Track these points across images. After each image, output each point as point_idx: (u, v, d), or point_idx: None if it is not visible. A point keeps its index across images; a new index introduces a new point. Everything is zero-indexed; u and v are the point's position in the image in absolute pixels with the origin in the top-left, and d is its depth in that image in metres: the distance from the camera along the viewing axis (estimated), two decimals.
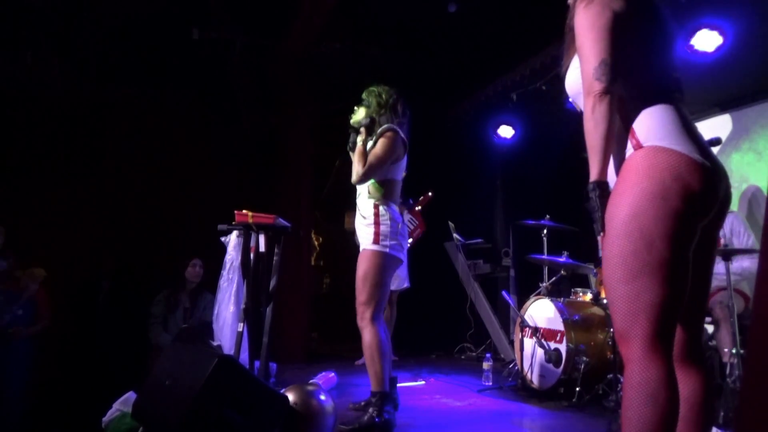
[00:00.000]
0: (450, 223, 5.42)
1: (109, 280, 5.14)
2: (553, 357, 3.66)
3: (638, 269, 1.35)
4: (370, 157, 2.94)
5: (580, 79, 1.56)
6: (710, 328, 3.62)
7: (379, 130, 3.03)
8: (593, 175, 1.46)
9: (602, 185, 1.46)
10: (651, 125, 1.44)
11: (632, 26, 1.50)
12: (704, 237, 1.45)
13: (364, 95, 3.16)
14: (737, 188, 4.12)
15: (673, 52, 1.59)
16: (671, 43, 1.59)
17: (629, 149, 1.47)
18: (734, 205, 4.01)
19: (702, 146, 1.42)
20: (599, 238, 1.47)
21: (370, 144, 3.03)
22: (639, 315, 1.35)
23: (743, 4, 3.74)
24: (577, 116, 1.65)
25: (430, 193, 5.11)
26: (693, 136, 1.43)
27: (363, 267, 2.96)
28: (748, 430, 2.18)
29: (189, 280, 4.76)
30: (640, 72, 1.50)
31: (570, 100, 1.71)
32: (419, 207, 5.07)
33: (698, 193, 1.36)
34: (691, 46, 3.81)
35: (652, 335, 1.34)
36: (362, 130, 3.06)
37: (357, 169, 2.94)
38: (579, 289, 4.16)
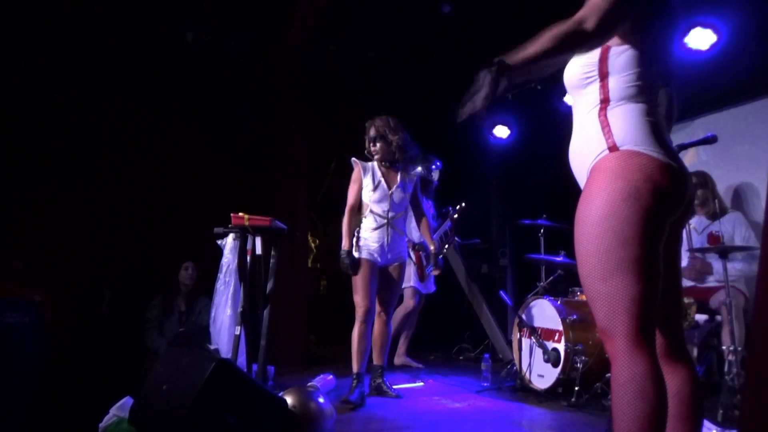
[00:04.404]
0: None
1: (110, 287, 5.11)
2: (551, 357, 3.65)
3: (614, 267, 1.39)
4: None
5: (579, 72, 1.56)
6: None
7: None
8: (506, 56, 1.42)
9: (508, 68, 1.41)
10: (628, 128, 1.47)
11: (646, 23, 1.49)
12: (670, 234, 1.50)
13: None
14: (733, 186, 4.13)
15: (672, 52, 1.60)
16: (672, 44, 1.59)
17: (602, 147, 1.48)
18: (729, 203, 4.01)
19: (670, 149, 1.48)
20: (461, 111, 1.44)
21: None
22: (619, 312, 1.38)
23: (737, 2, 3.74)
24: (572, 115, 1.65)
25: (463, 204, 5.04)
26: (663, 140, 1.48)
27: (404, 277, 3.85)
28: (752, 427, 2.18)
29: (183, 283, 4.74)
30: (634, 70, 1.50)
31: (566, 96, 1.71)
32: (456, 216, 5.03)
33: (667, 192, 1.42)
34: (685, 45, 3.81)
35: (634, 331, 1.37)
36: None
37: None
38: (577, 288, 4.16)
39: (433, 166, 5.02)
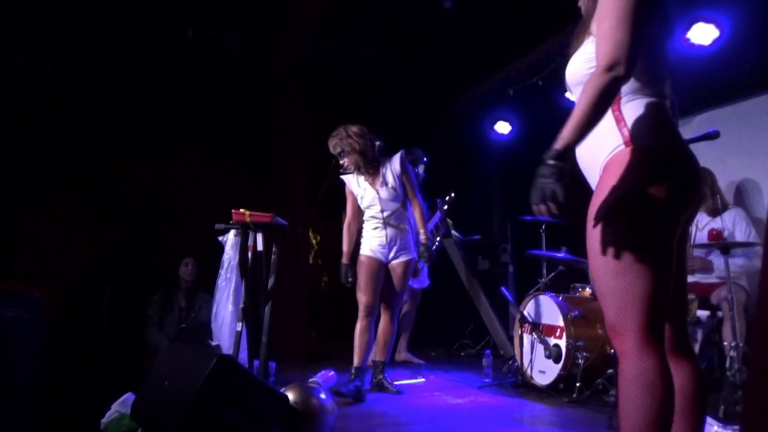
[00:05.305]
0: (448, 219, 5.40)
1: (110, 283, 5.11)
2: (552, 353, 3.65)
3: (627, 263, 1.38)
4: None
5: (583, 67, 1.55)
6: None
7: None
8: (566, 141, 1.40)
9: (569, 154, 1.40)
10: (642, 122, 1.46)
11: (645, 26, 1.47)
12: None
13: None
14: (735, 182, 4.12)
15: (670, 49, 1.59)
16: (669, 41, 1.59)
17: (618, 142, 1.47)
18: (731, 199, 4.00)
19: (682, 144, 1.47)
20: (537, 208, 1.41)
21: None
22: (631, 308, 1.38)
23: None
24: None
25: (452, 194, 5.01)
26: (676, 134, 1.47)
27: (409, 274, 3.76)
28: (755, 423, 2.18)
29: (183, 279, 4.74)
30: (640, 63, 1.48)
31: (567, 92, 1.71)
32: (446, 207, 5.00)
33: (681, 188, 1.41)
34: (688, 40, 3.80)
35: (644, 327, 1.37)
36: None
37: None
38: (578, 284, 4.16)
39: (420, 162, 4.95)
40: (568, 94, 4.80)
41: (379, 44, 5.39)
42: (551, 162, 1.38)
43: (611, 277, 1.41)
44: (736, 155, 4.12)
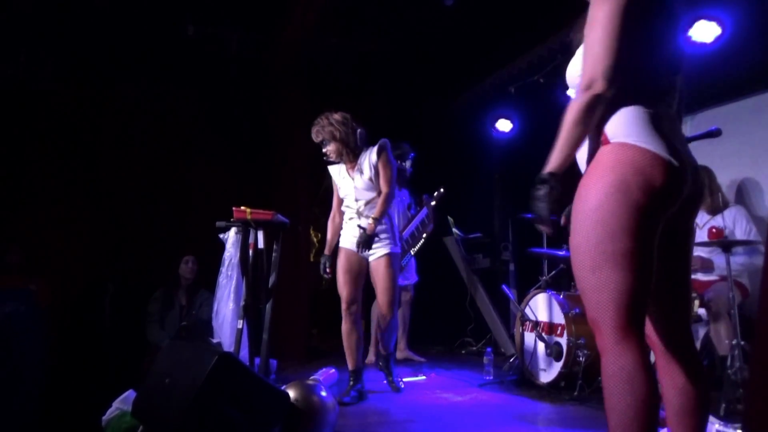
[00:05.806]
0: (449, 217, 5.40)
1: (112, 281, 5.12)
2: (554, 351, 3.65)
3: (602, 259, 1.39)
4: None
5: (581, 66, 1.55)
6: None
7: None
8: (552, 165, 1.47)
9: (557, 178, 1.47)
10: (621, 120, 1.47)
11: (641, 26, 1.47)
12: (674, 230, 1.48)
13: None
14: (736, 181, 4.11)
15: (675, 50, 1.57)
16: (674, 41, 1.57)
17: (598, 139, 1.50)
18: (732, 197, 3.99)
19: (671, 144, 1.45)
20: (543, 228, 1.51)
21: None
22: (607, 304, 1.38)
23: None
24: None
25: (441, 189, 4.97)
26: (662, 135, 1.45)
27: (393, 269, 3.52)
28: (757, 422, 2.17)
29: (183, 276, 4.75)
30: (630, 74, 1.47)
31: (569, 90, 1.71)
32: (434, 203, 4.97)
33: (660, 187, 1.40)
34: (689, 38, 3.79)
35: (622, 323, 1.37)
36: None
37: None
38: None
39: (408, 157, 4.91)
40: (569, 92, 4.80)
41: (380, 42, 5.38)
42: (539, 186, 1.47)
43: (588, 273, 1.42)
44: (738, 153, 4.11)
